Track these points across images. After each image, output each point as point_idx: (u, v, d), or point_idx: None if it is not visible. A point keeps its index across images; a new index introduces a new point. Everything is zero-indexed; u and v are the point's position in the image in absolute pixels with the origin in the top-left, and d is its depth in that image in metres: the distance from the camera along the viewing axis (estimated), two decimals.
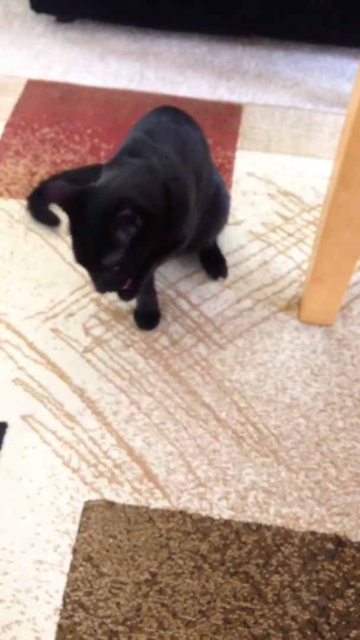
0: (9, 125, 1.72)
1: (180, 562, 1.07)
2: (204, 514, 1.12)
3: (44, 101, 1.79)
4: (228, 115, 1.77)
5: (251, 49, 1.97)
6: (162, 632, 1.00)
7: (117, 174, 1.08)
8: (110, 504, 1.12)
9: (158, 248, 1.13)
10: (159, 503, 1.13)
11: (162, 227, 1.09)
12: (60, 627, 1.01)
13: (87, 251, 1.07)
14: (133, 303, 1.36)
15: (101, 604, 1.03)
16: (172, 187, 1.09)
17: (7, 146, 1.67)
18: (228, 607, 1.03)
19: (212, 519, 1.11)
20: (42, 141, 1.68)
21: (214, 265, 1.43)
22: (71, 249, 1.08)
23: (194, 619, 1.02)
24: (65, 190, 1.06)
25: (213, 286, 1.42)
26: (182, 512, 1.12)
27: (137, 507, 1.12)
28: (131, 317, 1.35)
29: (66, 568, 1.06)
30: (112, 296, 1.39)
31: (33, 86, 1.83)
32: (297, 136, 1.72)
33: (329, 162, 1.64)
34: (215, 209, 1.34)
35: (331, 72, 1.91)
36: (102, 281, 1.10)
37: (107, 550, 1.08)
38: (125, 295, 1.19)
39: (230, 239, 1.50)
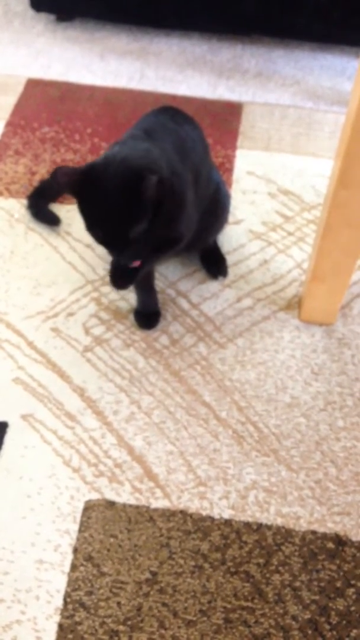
0: (9, 124, 1.72)
1: (181, 561, 1.07)
2: (204, 513, 1.12)
3: (44, 100, 1.78)
4: (228, 114, 1.76)
5: (251, 48, 1.97)
6: (162, 631, 1.00)
7: (122, 149, 1.07)
8: (111, 504, 1.12)
9: (156, 245, 1.13)
10: (159, 502, 1.13)
11: (159, 222, 1.08)
12: (61, 626, 1.01)
13: (110, 227, 1.04)
14: (133, 302, 1.36)
15: (102, 603, 1.03)
16: (173, 182, 1.09)
17: (7, 145, 1.66)
18: (229, 606, 1.03)
19: (212, 519, 1.11)
20: (42, 140, 1.68)
21: (214, 264, 1.43)
22: (88, 230, 1.06)
23: (194, 619, 1.02)
24: (71, 173, 1.04)
25: (213, 285, 1.42)
26: (182, 512, 1.12)
27: (137, 507, 1.12)
28: (131, 317, 1.35)
29: (67, 568, 1.06)
30: (113, 295, 1.39)
31: (33, 85, 1.83)
32: (297, 135, 1.72)
33: (329, 161, 1.64)
34: (215, 208, 1.34)
35: (331, 71, 1.91)
36: (126, 256, 1.08)
37: (108, 550, 1.08)
38: (120, 284, 1.18)
39: (230, 238, 1.49)
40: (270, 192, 1.58)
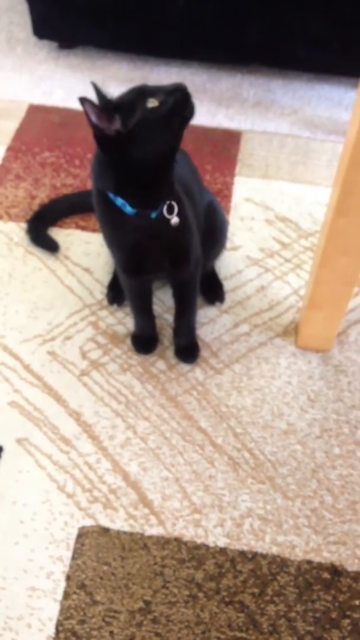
0: (10, 149, 1.73)
1: (175, 590, 1.05)
2: (199, 541, 1.11)
3: (45, 126, 1.80)
4: (227, 142, 1.78)
5: (250, 78, 2.00)
6: None
7: None
8: (105, 530, 1.11)
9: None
10: (154, 530, 1.12)
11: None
12: None
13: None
14: (130, 326, 1.36)
15: (94, 632, 1.01)
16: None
17: (8, 170, 1.68)
18: (223, 637, 1.01)
19: (207, 547, 1.10)
20: (42, 165, 1.69)
21: (212, 290, 1.43)
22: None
23: None
24: None
25: (210, 311, 1.42)
26: (177, 539, 1.10)
27: (131, 534, 1.11)
28: (128, 341, 1.35)
29: (59, 595, 1.05)
30: (110, 320, 1.39)
31: (34, 111, 1.85)
32: (294, 163, 1.74)
33: (327, 189, 1.65)
34: (213, 234, 1.35)
35: (329, 101, 1.93)
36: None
37: (101, 578, 1.06)
38: (144, 350, 1.34)
39: (228, 264, 1.50)
40: (267, 219, 1.60)
